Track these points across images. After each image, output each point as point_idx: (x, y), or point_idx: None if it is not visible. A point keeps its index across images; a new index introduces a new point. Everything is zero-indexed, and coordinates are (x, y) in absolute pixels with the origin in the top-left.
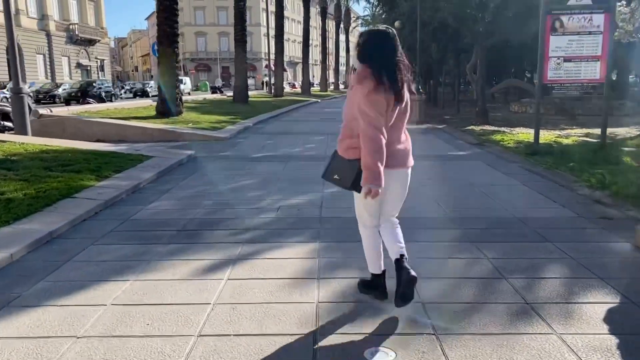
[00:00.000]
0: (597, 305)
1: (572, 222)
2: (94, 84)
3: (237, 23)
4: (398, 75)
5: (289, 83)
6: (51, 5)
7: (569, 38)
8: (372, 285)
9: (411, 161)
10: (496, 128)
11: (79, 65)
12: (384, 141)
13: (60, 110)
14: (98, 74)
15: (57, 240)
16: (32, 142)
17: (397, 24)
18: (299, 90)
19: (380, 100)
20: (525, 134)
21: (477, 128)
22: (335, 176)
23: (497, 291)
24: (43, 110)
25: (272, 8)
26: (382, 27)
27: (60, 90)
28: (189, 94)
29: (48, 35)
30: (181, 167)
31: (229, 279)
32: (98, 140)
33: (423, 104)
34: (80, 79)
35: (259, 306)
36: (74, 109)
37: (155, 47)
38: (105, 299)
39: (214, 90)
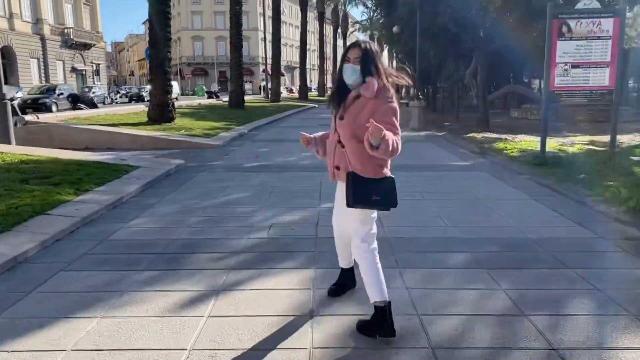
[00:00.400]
0: (635, 352)
1: (591, 244)
2: (55, 90)
3: (232, 27)
4: None
5: (287, 88)
6: (46, 9)
7: (577, 43)
8: (376, 323)
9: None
10: (498, 135)
11: (74, 69)
12: None
13: (47, 117)
14: (93, 78)
15: (22, 265)
16: (13, 151)
17: (395, 28)
18: (296, 95)
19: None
20: (528, 142)
21: (479, 135)
22: (375, 197)
23: (518, 333)
24: (29, 117)
25: (269, 13)
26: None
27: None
28: (176, 99)
29: (42, 39)
30: (169, 179)
31: (210, 316)
32: (86, 148)
33: (422, 110)
34: (75, 83)
35: (242, 354)
36: (63, 115)
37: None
38: (65, 343)
39: (210, 95)
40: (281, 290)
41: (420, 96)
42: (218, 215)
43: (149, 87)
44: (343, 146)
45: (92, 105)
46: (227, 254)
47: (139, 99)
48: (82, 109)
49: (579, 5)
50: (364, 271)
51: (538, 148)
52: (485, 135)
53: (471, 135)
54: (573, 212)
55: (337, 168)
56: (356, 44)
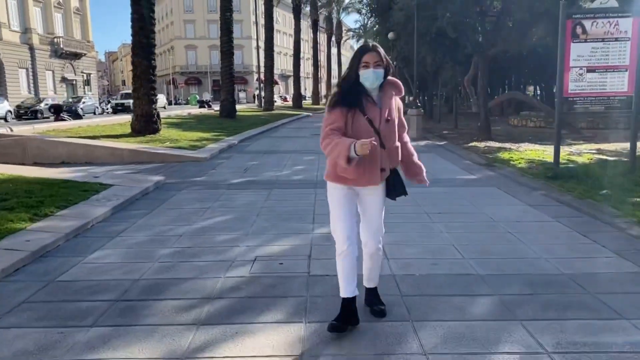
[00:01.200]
0: None
1: None
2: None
3: (223, 34)
4: None
5: (281, 96)
6: (34, 18)
7: (592, 45)
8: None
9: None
10: (500, 144)
11: (64, 79)
12: None
13: (23, 130)
14: (84, 88)
15: None
16: None
17: (390, 35)
18: (290, 103)
19: None
20: (533, 152)
21: (481, 144)
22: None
23: None
24: (2, 130)
25: (263, 21)
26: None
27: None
28: (164, 107)
29: (31, 49)
30: (145, 199)
31: None
32: (63, 163)
33: (421, 119)
34: (65, 93)
35: None
36: (41, 127)
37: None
38: None
39: (202, 104)
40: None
41: (419, 104)
42: (193, 246)
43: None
44: (384, 147)
45: (76, 115)
46: (197, 301)
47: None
48: (65, 119)
49: (595, 4)
50: (379, 266)
51: (546, 158)
52: (487, 144)
53: (473, 144)
54: (606, 237)
55: (383, 170)
56: (372, 49)
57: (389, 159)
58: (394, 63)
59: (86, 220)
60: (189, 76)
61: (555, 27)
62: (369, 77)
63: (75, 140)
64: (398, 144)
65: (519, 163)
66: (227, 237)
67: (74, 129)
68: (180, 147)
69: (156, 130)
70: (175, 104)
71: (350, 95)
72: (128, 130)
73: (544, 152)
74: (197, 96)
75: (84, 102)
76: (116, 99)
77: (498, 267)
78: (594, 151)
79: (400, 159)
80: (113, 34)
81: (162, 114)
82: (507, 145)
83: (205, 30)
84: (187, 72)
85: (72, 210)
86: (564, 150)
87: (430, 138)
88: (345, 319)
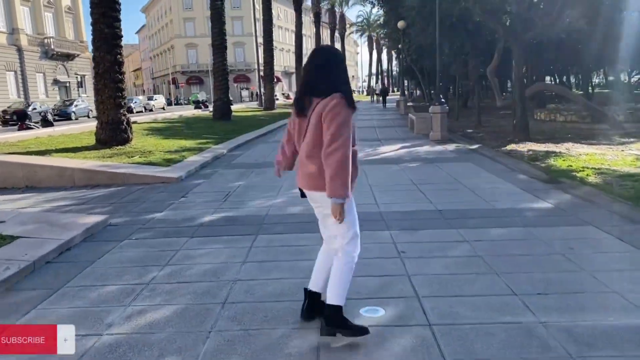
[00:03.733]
0: None
1: None
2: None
3: (214, 25)
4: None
5: (284, 94)
6: (22, 18)
7: None
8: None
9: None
10: (543, 146)
11: (56, 81)
12: None
13: None
14: (78, 90)
15: None
16: None
17: (401, 23)
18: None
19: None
20: (590, 156)
21: (521, 147)
22: None
23: None
24: None
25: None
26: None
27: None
28: (163, 108)
29: (19, 51)
30: (56, 263)
31: None
32: None
33: (446, 117)
34: (58, 96)
35: None
36: None
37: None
38: None
39: (198, 105)
40: None
41: (442, 100)
42: None
43: (138, 98)
44: None
45: (46, 123)
46: None
47: (127, 111)
48: (31, 128)
49: None
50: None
51: (612, 165)
52: (528, 146)
53: (511, 147)
54: None
55: None
56: None
57: None
58: (402, 56)
59: None
60: (190, 75)
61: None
62: None
63: (13, 159)
64: None
65: (588, 175)
66: None
67: (28, 140)
68: (150, 163)
69: (126, 140)
70: (177, 104)
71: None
72: (94, 140)
73: (604, 157)
74: (198, 95)
75: (76, 105)
76: None
77: None
78: None
79: None
80: None
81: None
82: (550, 146)
83: (205, 28)
84: (189, 71)
85: None
86: (621, 153)
87: (456, 139)
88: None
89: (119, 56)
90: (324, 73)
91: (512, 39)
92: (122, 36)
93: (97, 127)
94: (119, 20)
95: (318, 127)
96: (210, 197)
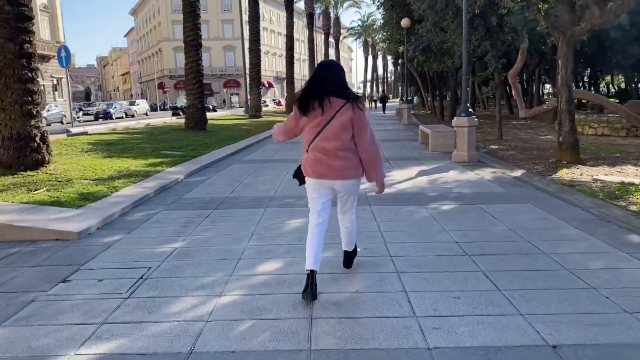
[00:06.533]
0: None
1: None
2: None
3: (187, 19)
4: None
5: (274, 100)
6: None
7: None
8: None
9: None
10: (605, 171)
11: None
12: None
13: None
14: (53, 94)
15: None
16: None
17: (405, 22)
18: (284, 108)
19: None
20: None
21: (580, 174)
22: None
23: None
24: None
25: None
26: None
27: None
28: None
29: None
30: None
31: None
32: None
33: (474, 132)
34: None
35: None
36: None
37: None
38: None
39: (175, 111)
40: None
41: (470, 109)
42: None
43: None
44: None
45: None
46: None
47: (106, 116)
48: None
49: None
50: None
51: None
52: (587, 172)
53: (565, 173)
54: None
55: None
56: None
57: None
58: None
59: None
60: (178, 80)
61: None
62: None
63: None
64: None
65: None
66: None
67: None
68: (56, 202)
69: (39, 163)
70: (163, 109)
71: None
72: None
73: None
74: (178, 101)
75: (48, 110)
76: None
77: None
78: None
79: None
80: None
81: (107, 126)
82: (612, 172)
83: None
84: (177, 75)
85: None
86: None
87: (486, 160)
88: None
89: (27, 45)
90: (342, 79)
91: (559, 32)
92: (32, 17)
93: None
94: None
95: (349, 128)
96: (110, 286)
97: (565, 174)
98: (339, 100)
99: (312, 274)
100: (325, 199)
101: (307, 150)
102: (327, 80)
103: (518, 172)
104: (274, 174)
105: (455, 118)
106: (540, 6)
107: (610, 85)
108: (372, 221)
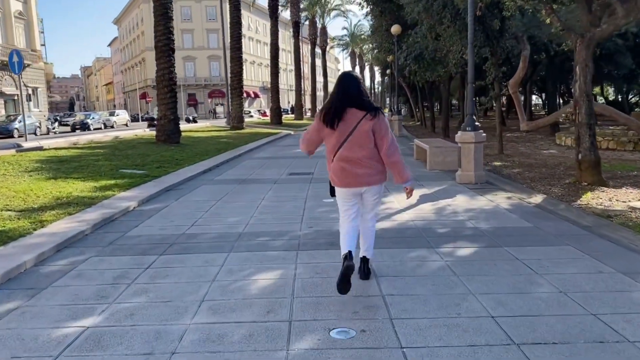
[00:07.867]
0: None
1: None
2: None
3: (158, 22)
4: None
5: (259, 110)
6: None
7: None
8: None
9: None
10: (634, 195)
11: (1, 94)
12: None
13: None
14: (28, 104)
15: None
16: None
17: (395, 28)
18: (269, 119)
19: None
20: None
21: (610, 200)
22: None
23: None
24: None
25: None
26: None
27: None
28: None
29: None
30: None
31: None
32: None
33: (482, 150)
34: (3, 110)
35: None
36: None
37: None
38: None
39: (151, 122)
40: None
41: (477, 123)
42: None
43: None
44: None
45: None
46: None
47: (83, 127)
48: None
49: None
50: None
51: None
52: (615, 196)
53: (592, 197)
54: None
55: None
56: None
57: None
58: (395, 69)
59: None
60: None
61: None
62: None
63: None
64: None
65: None
66: None
67: None
68: None
69: None
70: (145, 120)
71: None
72: None
73: None
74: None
75: (20, 121)
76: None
77: None
78: None
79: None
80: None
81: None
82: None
83: (179, 40)
84: None
85: None
86: None
87: (495, 182)
88: None
89: None
90: (362, 90)
91: (577, 35)
92: None
93: None
94: None
95: (371, 136)
96: None
97: (591, 199)
98: (360, 111)
99: (349, 255)
100: (356, 207)
101: (332, 160)
102: (349, 91)
103: (537, 198)
104: (249, 199)
105: (459, 133)
106: (554, 7)
107: (600, 97)
108: (371, 278)
